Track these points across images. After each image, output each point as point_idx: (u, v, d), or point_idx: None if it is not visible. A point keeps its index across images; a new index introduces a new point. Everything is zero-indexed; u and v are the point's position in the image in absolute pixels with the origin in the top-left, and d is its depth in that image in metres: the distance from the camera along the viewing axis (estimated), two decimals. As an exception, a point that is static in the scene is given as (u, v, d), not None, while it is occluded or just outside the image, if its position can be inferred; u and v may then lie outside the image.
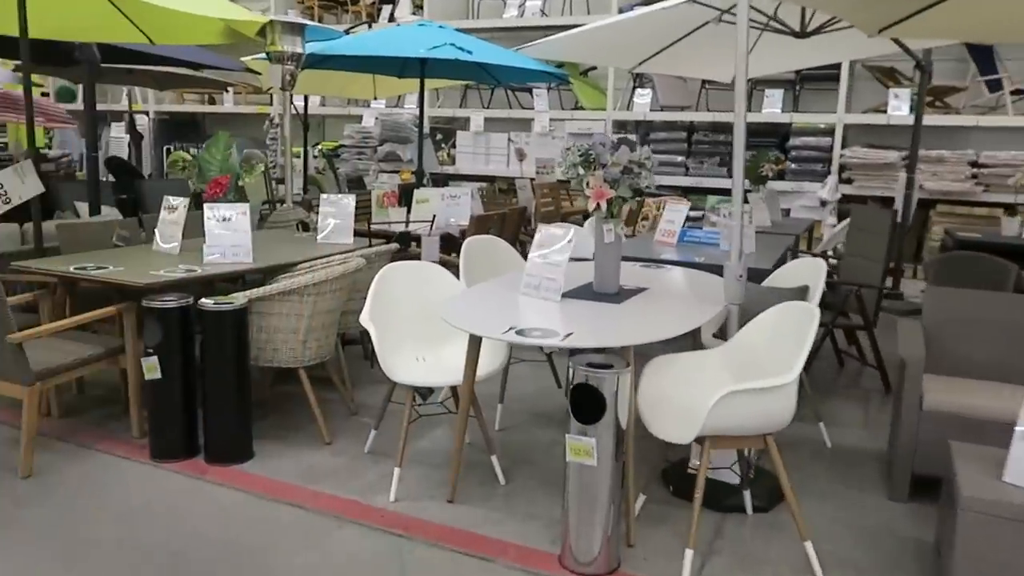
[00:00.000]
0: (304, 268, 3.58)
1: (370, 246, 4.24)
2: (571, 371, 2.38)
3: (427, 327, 3.23)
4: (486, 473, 3.12)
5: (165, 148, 10.39)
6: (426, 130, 8.80)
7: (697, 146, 7.75)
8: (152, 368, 3.05)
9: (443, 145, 8.34)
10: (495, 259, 3.78)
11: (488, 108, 8.69)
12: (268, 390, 4.01)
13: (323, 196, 4.25)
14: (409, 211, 5.06)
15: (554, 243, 3.02)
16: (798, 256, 5.51)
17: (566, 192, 6.43)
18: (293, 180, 4.86)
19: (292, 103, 4.59)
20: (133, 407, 3.35)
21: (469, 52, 5.10)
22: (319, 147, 9.16)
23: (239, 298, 3.11)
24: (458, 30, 5.67)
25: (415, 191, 4.97)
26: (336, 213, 4.25)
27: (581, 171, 3.02)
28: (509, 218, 4.98)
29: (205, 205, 3.55)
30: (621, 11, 7.78)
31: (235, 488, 2.93)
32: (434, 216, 4.50)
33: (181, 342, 3.08)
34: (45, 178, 8.09)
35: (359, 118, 9.10)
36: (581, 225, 5.36)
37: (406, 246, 4.47)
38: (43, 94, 10.23)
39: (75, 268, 3.31)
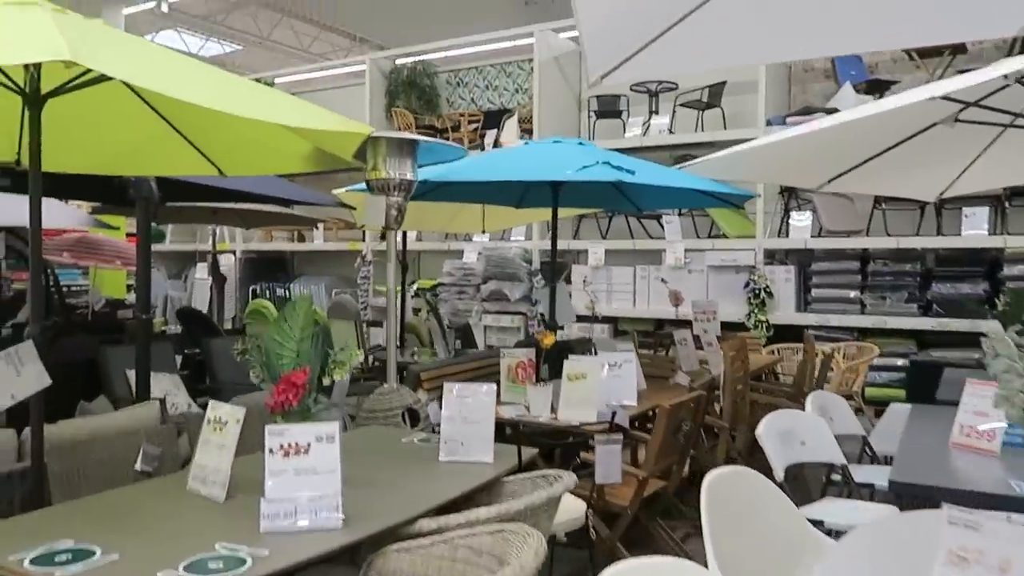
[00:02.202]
0: (430, 536, 1.96)
1: (520, 466, 2.60)
2: None
3: None
4: None
5: (251, 289, 9.22)
6: (535, 265, 7.35)
7: (875, 278, 6.01)
8: None
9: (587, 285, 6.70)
10: (754, 510, 2.08)
11: (607, 239, 7.20)
12: None
13: (446, 386, 2.67)
14: (549, 373, 3.46)
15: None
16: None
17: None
18: (395, 351, 3.33)
19: (402, 244, 3.11)
20: None
21: (631, 172, 3.60)
22: (415, 286, 7.79)
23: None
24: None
25: (566, 363, 3.36)
26: (466, 410, 2.65)
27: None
28: (703, 399, 3.30)
29: (267, 429, 2.00)
30: (769, 124, 6.30)
31: None
32: (614, 415, 2.85)
33: None
34: (121, 330, 6.87)
35: (459, 253, 7.73)
36: (790, 402, 3.70)
37: (574, 457, 2.82)
38: (128, 235, 9.26)
39: (31, 562, 1.76)
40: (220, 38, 15.14)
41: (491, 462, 2.57)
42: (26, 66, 2.57)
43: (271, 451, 2.00)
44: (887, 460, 3.78)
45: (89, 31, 2.14)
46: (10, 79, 2.60)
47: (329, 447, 2.02)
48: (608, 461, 2.66)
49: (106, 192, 4.48)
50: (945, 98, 3.22)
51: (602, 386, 3.38)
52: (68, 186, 4.89)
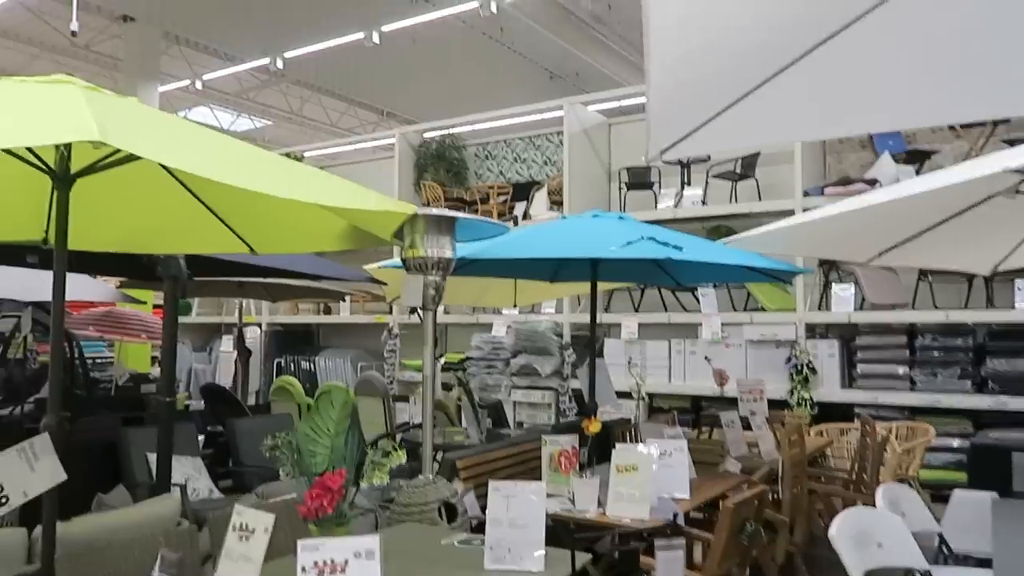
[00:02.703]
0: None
1: (574, 571, 2.33)
2: None
3: None
4: None
5: (276, 361, 9.05)
6: (566, 339, 7.12)
7: (924, 353, 5.71)
8: None
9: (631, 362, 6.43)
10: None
11: (639, 311, 6.97)
12: None
13: (491, 485, 2.43)
14: (588, 456, 3.19)
15: None
16: None
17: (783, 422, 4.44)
18: (431, 438, 3.10)
19: (435, 321, 2.94)
20: None
21: (679, 248, 3.41)
22: (443, 359, 7.57)
23: None
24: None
25: (614, 453, 3.10)
26: (513, 512, 2.40)
27: None
28: (766, 495, 3.01)
29: (300, 545, 1.77)
30: (807, 194, 6.13)
31: None
32: (675, 516, 2.59)
33: None
34: (144, 407, 6.66)
35: (488, 326, 7.52)
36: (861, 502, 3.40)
37: (632, 566, 2.55)
38: (155, 307, 9.17)
39: None
40: (251, 114, 15.47)
41: (542, 571, 2.31)
42: (56, 145, 2.47)
43: (304, 570, 1.77)
44: (965, 559, 3.45)
45: (121, 109, 2.02)
46: (40, 159, 2.50)
47: (369, 565, 1.78)
48: (670, 570, 2.38)
49: (134, 269, 4.36)
50: (1017, 170, 3.05)
51: (654, 479, 3.11)
52: (96, 262, 4.80)
